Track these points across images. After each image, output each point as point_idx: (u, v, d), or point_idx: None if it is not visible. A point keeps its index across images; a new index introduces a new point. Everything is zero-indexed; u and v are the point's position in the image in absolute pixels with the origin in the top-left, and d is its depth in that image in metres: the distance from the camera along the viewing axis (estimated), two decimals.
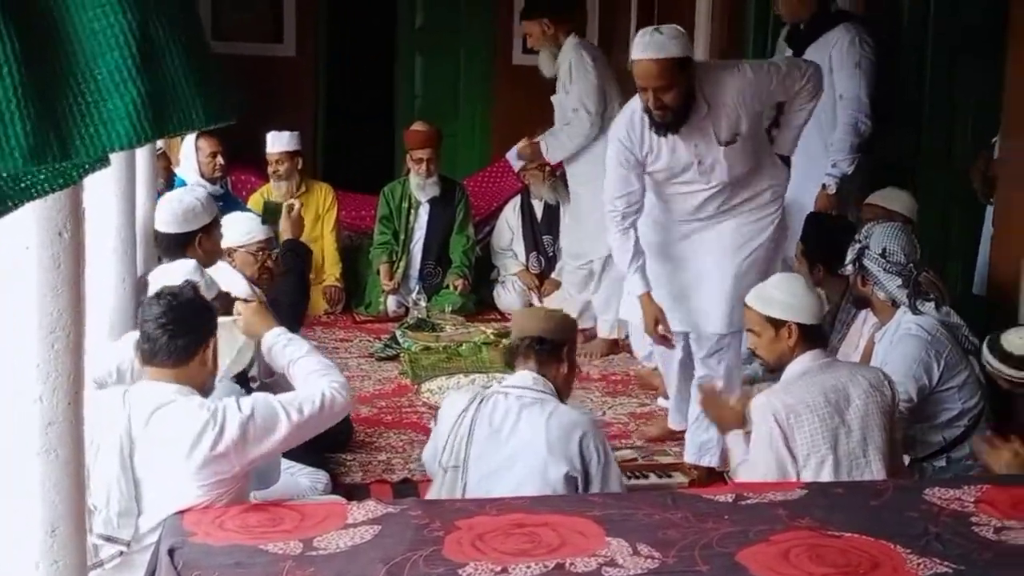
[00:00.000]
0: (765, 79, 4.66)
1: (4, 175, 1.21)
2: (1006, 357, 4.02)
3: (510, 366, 3.82)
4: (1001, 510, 3.23)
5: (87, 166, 1.24)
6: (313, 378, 3.42)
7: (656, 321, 4.70)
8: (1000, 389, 4.21)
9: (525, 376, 3.68)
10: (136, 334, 3.44)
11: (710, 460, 4.90)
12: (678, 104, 4.50)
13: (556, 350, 3.70)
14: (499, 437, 3.59)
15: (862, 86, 5.78)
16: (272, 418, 3.25)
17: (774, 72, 4.71)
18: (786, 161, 4.98)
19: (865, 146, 5.83)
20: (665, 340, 4.77)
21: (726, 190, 4.73)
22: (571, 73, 6.58)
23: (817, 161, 5.83)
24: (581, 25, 7.82)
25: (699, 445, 4.92)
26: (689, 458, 4.97)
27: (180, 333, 3.31)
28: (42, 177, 1.23)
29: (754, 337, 3.94)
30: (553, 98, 6.78)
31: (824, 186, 5.78)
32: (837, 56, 5.80)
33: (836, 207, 5.74)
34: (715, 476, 4.83)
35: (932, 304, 4.43)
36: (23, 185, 1.23)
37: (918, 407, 4.25)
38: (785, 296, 3.88)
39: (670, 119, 4.54)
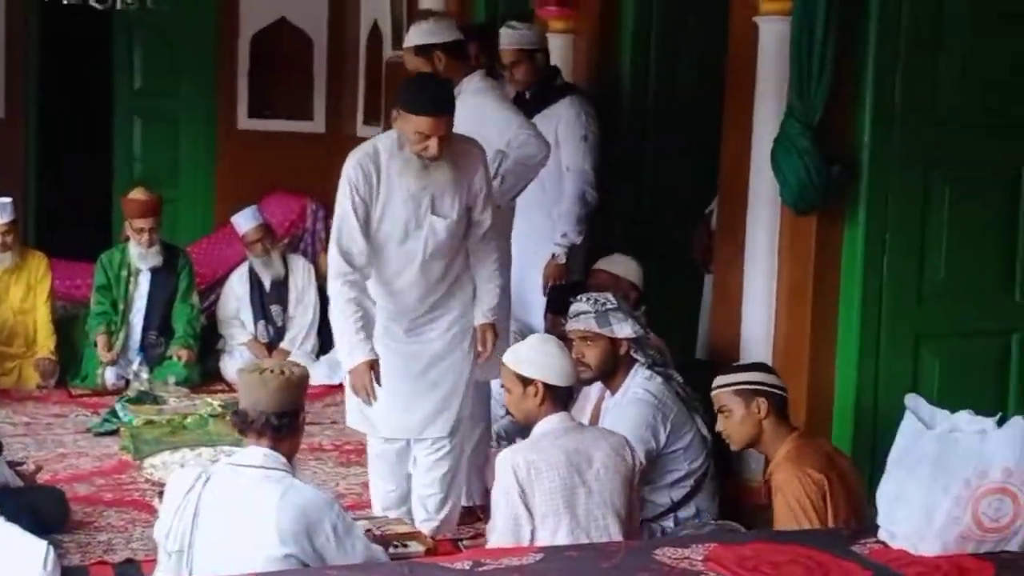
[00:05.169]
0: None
1: None
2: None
3: (242, 434, 3.59)
4: (727, 567, 3.34)
5: None
6: None
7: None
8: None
9: (256, 453, 3.49)
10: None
11: None
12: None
13: (293, 422, 3.54)
14: (226, 519, 3.41)
15: (587, 158, 5.92)
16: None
17: None
18: None
19: (591, 216, 5.98)
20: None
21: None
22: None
23: (543, 233, 5.91)
24: None
25: None
26: None
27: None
28: None
29: (507, 394, 4.04)
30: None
31: (553, 255, 5.89)
32: (564, 129, 5.92)
33: (565, 277, 5.86)
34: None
35: (662, 358, 4.61)
36: None
37: (646, 469, 4.36)
38: (536, 355, 3.98)
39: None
